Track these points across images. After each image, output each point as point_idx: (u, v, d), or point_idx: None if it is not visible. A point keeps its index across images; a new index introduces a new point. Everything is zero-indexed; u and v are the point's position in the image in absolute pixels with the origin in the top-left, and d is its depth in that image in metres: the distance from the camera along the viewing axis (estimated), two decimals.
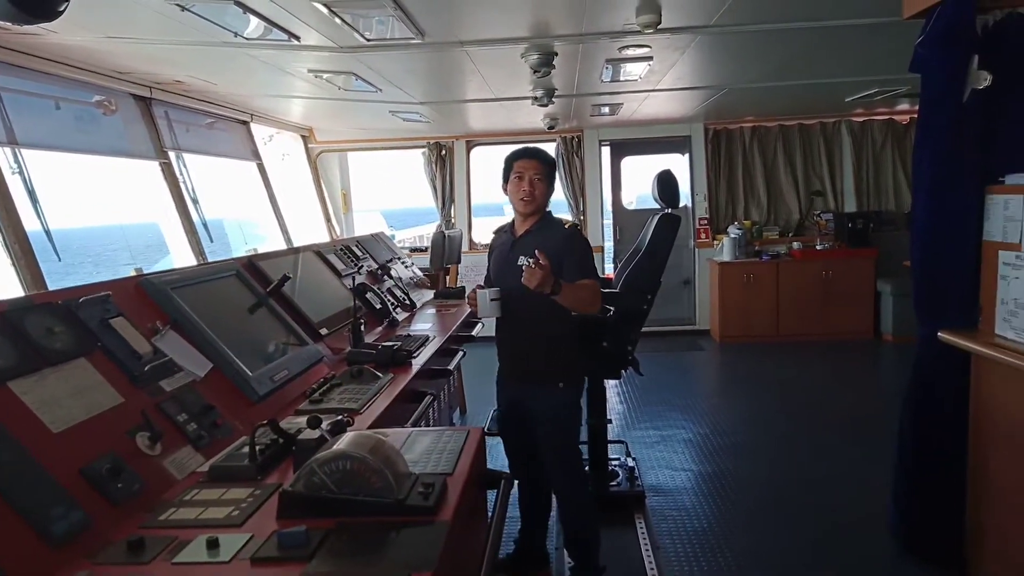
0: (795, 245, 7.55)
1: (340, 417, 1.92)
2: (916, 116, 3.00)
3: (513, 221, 2.83)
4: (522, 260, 2.54)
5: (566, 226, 2.74)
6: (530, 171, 2.67)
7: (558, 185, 7.92)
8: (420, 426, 2.50)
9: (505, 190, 2.76)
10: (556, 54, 3.95)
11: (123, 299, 1.97)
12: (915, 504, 2.99)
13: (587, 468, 3.67)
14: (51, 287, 3.03)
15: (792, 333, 7.32)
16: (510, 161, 2.74)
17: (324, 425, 1.75)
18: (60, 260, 3.33)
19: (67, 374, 1.62)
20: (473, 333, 3.95)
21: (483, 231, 8.24)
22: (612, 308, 3.26)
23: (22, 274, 3.15)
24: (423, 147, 7.85)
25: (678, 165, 7.79)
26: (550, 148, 7.86)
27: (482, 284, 2.89)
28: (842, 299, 7.29)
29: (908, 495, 3.02)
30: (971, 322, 2.70)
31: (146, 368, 1.83)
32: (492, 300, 2.69)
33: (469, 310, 4.10)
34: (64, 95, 3.78)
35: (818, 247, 7.46)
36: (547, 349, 2.72)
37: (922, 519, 2.96)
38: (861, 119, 7.69)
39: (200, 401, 1.92)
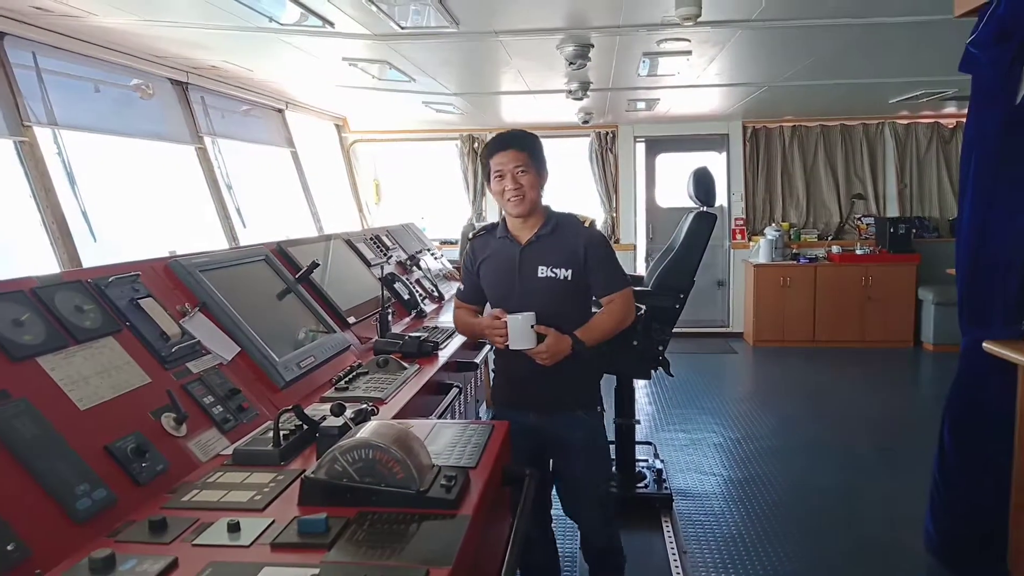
0: (834, 249, 7.38)
1: (365, 406, 1.91)
2: (963, 120, 2.89)
3: (503, 223, 2.35)
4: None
5: (586, 224, 2.33)
6: (509, 165, 2.21)
7: (590, 181, 7.85)
8: (446, 418, 2.48)
9: (491, 191, 2.31)
10: (592, 46, 3.88)
11: (152, 280, 1.99)
12: (953, 517, 2.90)
13: (614, 469, 3.59)
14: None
15: (828, 339, 7.15)
16: (485, 159, 2.29)
17: (348, 413, 1.74)
18: (96, 241, 3.37)
19: (95, 352, 1.63)
20: None
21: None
22: (643, 307, 3.20)
23: (60, 255, 3.20)
24: (456, 139, 7.84)
25: (715, 163, 7.66)
26: (583, 143, 7.79)
27: (491, 310, 2.37)
28: (882, 306, 7.09)
29: (946, 507, 2.93)
30: (1017, 333, 2.60)
31: (173, 349, 1.84)
32: (532, 327, 2.19)
33: None
34: (103, 78, 3.83)
35: (858, 251, 7.26)
36: (585, 370, 2.37)
37: (961, 533, 2.87)
38: (905, 121, 7.47)
39: (226, 384, 1.92)
